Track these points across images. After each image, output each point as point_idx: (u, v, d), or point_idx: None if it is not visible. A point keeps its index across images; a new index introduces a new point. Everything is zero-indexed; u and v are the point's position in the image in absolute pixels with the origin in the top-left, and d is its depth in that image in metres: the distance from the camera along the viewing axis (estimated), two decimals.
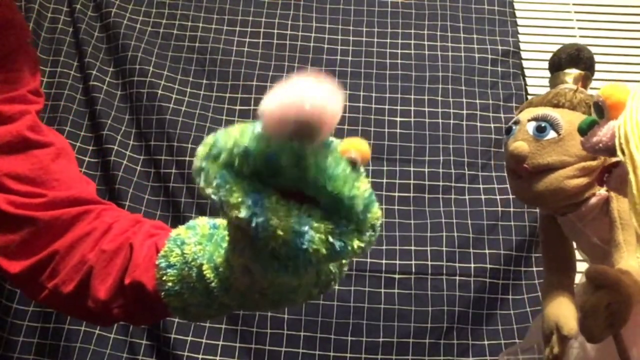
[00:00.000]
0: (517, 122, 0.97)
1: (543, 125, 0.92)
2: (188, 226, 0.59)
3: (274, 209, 0.38)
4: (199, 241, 0.56)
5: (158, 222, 0.65)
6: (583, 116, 0.92)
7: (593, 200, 0.93)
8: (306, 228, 0.38)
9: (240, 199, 0.39)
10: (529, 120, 0.94)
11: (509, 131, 0.99)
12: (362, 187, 0.40)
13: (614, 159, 0.67)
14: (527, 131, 0.94)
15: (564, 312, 0.91)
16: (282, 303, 0.53)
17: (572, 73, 0.99)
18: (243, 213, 0.38)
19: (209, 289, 0.53)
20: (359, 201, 0.40)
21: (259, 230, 0.39)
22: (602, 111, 0.65)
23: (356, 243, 0.40)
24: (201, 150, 0.41)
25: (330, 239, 0.39)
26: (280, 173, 0.39)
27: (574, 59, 1.00)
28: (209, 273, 0.52)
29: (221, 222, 0.58)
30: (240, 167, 0.39)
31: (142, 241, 0.60)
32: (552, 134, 0.92)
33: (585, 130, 0.68)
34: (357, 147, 0.41)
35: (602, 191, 0.93)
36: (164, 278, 0.56)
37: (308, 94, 0.35)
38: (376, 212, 0.42)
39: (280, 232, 0.38)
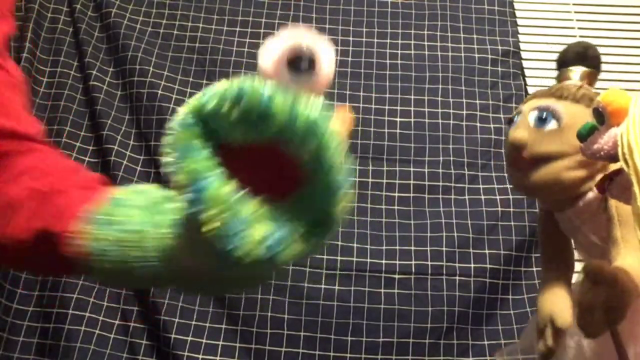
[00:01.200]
0: (519, 113, 0.98)
1: (544, 115, 0.93)
2: (136, 190, 0.54)
3: (215, 200, 0.37)
4: (146, 206, 0.52)
5: (100, 176, 0.58)
6: (585, 109, 0.92)
7: (590, 195, 0.92)
8: (237, 230, 0.37)
9: (185, 181, 0.38)
10: (530, 111, 0.95)
11: (511, 121, 0.99)
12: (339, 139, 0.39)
13: (614, 167, 0.67)
14: (529, 121, 0.94)
15: (558, 305, 0.91)
16: (232, 289, 0.51)
17: (578, 70, 1.00)
18: (184, 196, 0.38)
19: (147, 259, 0.49)
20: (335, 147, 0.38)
21: (191, 218, 0.38)
22: (602, 117, 0.64)
23: (295, 249, 0.39)
24: (184, 108, 0.39)
25: (260, 247, 0.38)
26: (269, 119, 0.38)
27: (580, 56, 1.00)
28: (150, 242, 0.49)
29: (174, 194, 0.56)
30: (229, 112, 0.38)
31: (73, 189, 0.54)
32: (552, 124, 0.92)
33: (584, 135, 0.67)
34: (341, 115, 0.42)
35: None
36: (95, 235, 0.50)
37: (300, 30, 0.39)
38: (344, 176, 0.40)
39: (209, 227, 0.37)
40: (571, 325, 0.87)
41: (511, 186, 1.45)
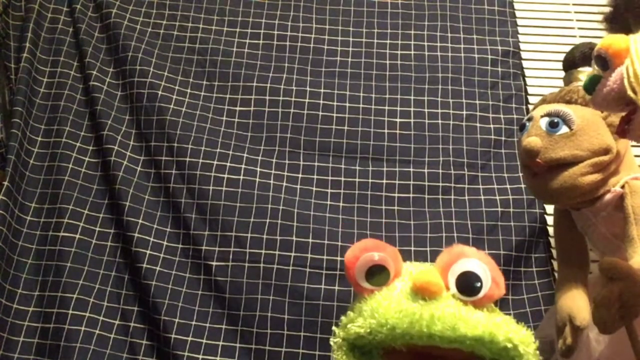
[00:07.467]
0: (530, 119, 0.99)
1: (556, 120, 0.94)
2: None
3: None
4: None
5: None
6: (596, 112, 0.93)
7: (608, 196, 0.94)
8: None
9: None
10: (541, 116, 0.96)
11: (522, 128, 1.00)
12: None
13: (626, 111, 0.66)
14: (540, 127, 0.95)
15: (577, 303, 0.91)
16: None
17: (585, 71, 1.01)
18: None
19: None
20: None
21: None
22: (605, 62, 0.65)
23: None
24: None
25: None
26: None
27: (587, 57, 1.01)
28: None
29: None
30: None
31: None
32: (564, 129, 0.93)
33: (590, 87, 0.68)
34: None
35: (616, 188, 0.94)
36: None
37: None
38: None
39: None
40: (589, 323, 0.87)
41: (512, 186, 1.46)
